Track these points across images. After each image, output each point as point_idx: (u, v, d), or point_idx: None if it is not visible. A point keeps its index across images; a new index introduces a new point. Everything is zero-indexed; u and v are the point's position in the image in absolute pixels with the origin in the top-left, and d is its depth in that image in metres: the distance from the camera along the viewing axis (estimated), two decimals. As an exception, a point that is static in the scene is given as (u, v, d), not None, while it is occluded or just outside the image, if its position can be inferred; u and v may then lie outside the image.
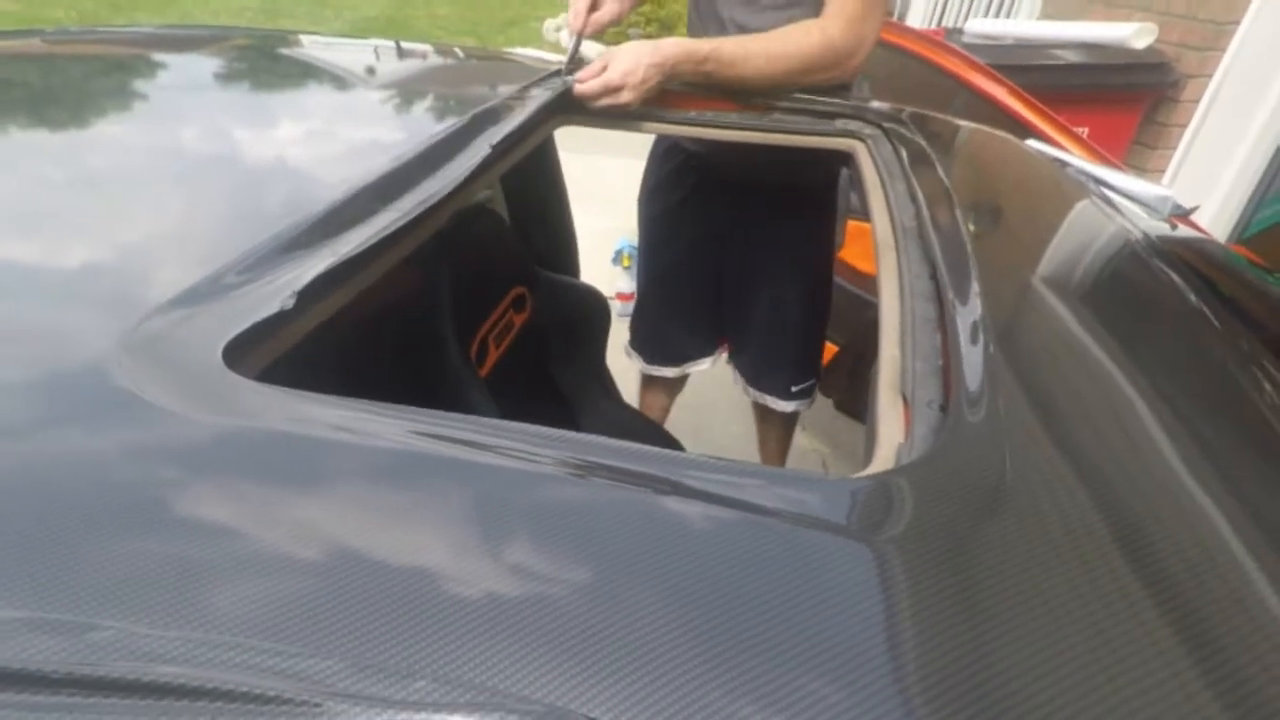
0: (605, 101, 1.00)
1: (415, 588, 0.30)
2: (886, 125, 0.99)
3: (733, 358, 1.55)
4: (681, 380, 1.61)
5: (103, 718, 0.24)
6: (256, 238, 0.52)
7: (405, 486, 0.36)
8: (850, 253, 2.02)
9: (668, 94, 1.06)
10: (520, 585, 0.31)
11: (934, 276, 0.61)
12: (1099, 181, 1.01)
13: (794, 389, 1.49)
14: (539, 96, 0.94)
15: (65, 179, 0.65)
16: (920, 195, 0.75)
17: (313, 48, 1.23)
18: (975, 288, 0.57)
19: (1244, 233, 2.44)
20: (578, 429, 1.44)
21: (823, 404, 2.11)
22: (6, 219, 0.57)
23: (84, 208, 0.59)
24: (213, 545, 0.31)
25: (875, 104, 1.07)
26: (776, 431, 1.64)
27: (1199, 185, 2.39)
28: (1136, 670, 0.30)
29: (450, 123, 0.77)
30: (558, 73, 1.06)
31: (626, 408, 1.55)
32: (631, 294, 1.59)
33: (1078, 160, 1.05)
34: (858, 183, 0.98)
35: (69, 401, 0.38)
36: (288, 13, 7.05)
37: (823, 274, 1.43)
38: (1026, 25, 2.70)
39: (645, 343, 1.54)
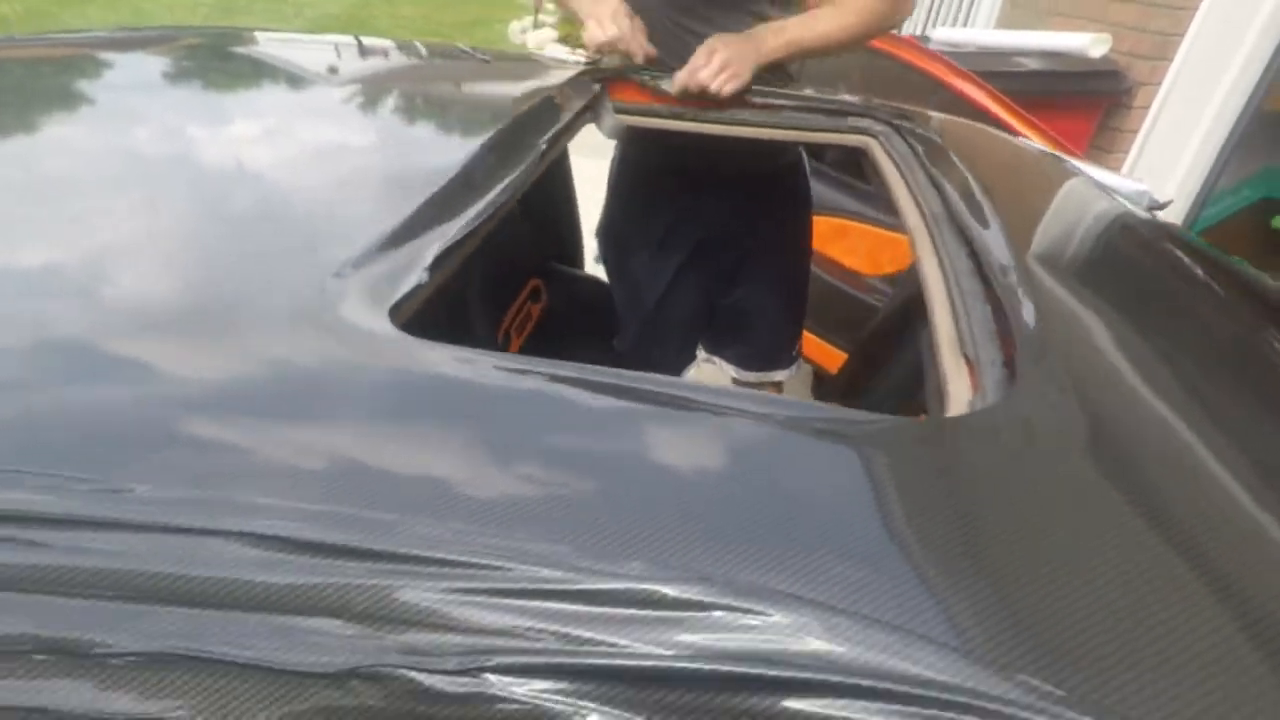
0: (716, 85, 1.04)
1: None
2: (896, 122, 1.06)
3: (714, 352, 1.58)
4: None
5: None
6: (392, 218, 0.57)
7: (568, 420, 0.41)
8: (838, 249, 2.11)
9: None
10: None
11: (973, 254, 0.67)
12: (1085, 174, 1.10)
13: (794, 352, 1.57)
14: (575, 96, 0.98)
15: (246, 168, 0.72)
16: (944, 183, 0.82)
17: (381, 54, 1.25)
18: (1013, 261, 0.64)
19: (1192, 228, 2.62)
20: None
21: (799, 390, 2.18)
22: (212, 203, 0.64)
23: (265, 192, 0.68)
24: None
25: (883, 103, 1.14)
26: None
27: (1151, 186, 2.55)
28: (1200, 603, 0.33)
29: (511, 119, 0.81)
30: (584, 73, 1.10)
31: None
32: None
33: (1065, 155, 1.14)
34: (874, 176, 1.04)
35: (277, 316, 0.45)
36: (244, 9, 6.88)
37: (806, 243, 1.48)
38: (989, 34, 2.85)
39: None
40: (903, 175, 0.91)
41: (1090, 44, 2.49)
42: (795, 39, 1.10)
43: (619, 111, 1.11)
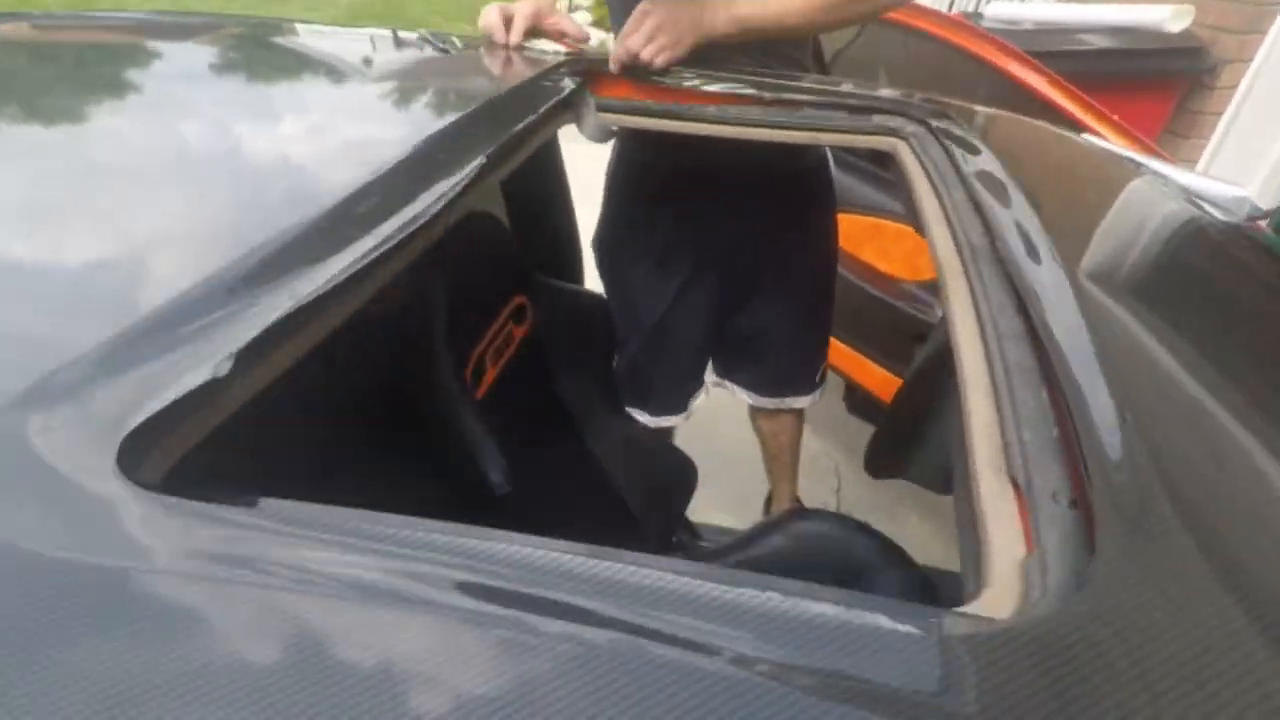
0: (646, 54, 0.93)
1: None
2: (932, 122, 0.87)
3: (726, 376, 1.42)
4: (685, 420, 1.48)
5: None
6: (185, 280, 0.41)
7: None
8: (870, 251, 1.91)
9: (687, 92, 0.96)
10: None
11: (1023, 310, 0.50)
12: (1171, 181, 0.89)
13: (815, 378, 1.41)
14: (544, 93, 0.83)
15: None
16: (988, 207, 0.64)
17: (289, 37, 1.11)
18: (1083, 324, 0.46)
19: (1281, 228, 2.33)
20: (583, 446, 1.35)
21: (830, 401, 2.00)
22: None
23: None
24: None
25: (916, 96, 0.95)
26: (790, 431, 1.53)
27: (1234, 177, 2.26)
28: None
29: (440, 126, 0.66)
30: (562, 65, 0.95)
31: (634, 422, 1.44)
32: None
33: (1144, 158, 0.94)
34: (901, 186, 0.86)
35: None
36: (276, 2, 6.88)
37: (830, 256, 1.31)
38: (1052, 8, 2.57)
39: (647, 398, 1.38)
40: (936, 193, 0.73)
41: (1170, 17, 2.20)
42: (745, 16, 0.96)
43: (604, 110, 0.95)
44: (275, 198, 0.54)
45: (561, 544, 0.31)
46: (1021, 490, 0.37)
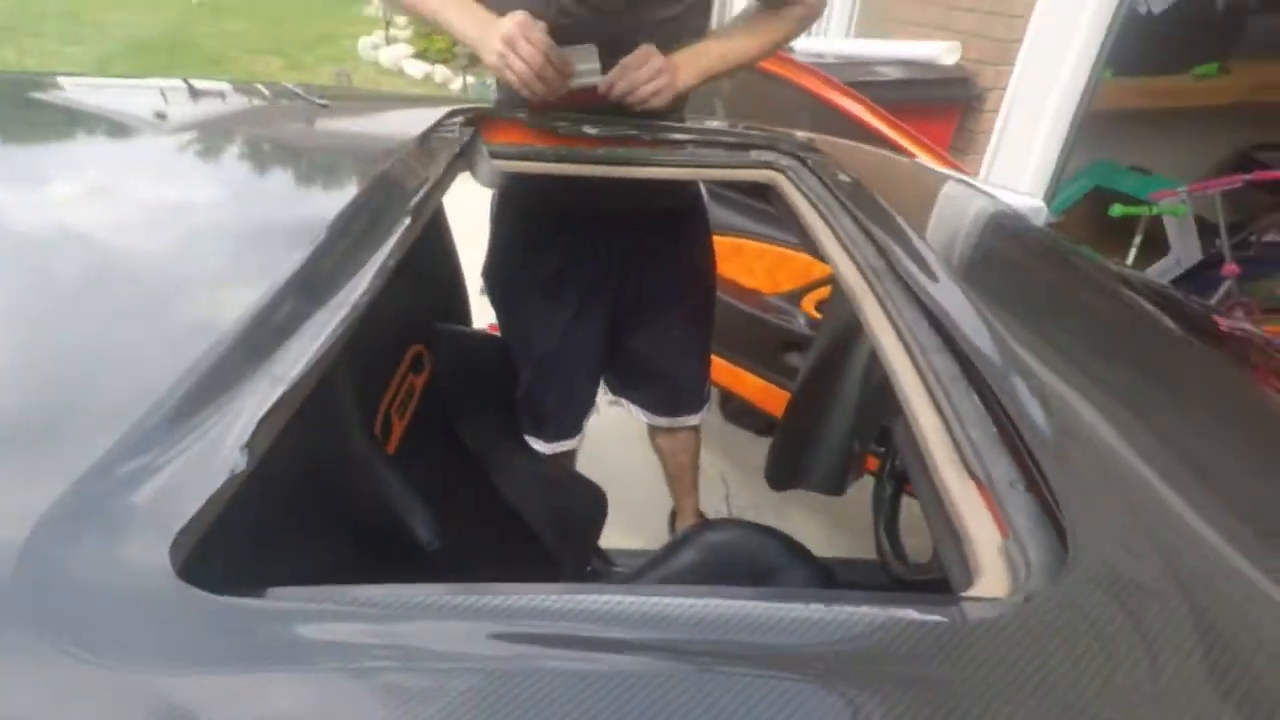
0: (647, 90, 0.94)
1: None
2: (801, 155, 0.98)
3: (620, 394, 1.49)
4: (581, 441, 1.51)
5: None
6: (169, 369, 0.38)
7: None
8: (734, 268, 2.06)
9: (575, 136, 0.99)
10: None
11: (934, 323, 0.59)
12: (990, 196, 1.07)
13: (704, 393, 1.50)
14: (444, 145, 0.83)
15: None
16: (874, 231, 0.74)
17: (179, 99, 1.00)
18: (988, 328, 0.55)
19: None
20: (494, 490, 1.33)
21: (710, 415, 2.11)
22: None
23: None
24: None
25: (782, 131, 1.07)
26: (687, 450, 1.61)
27: (1005, 183, 2.70)
28: None
29: (360, 194, 0.65)
30: (453, 114, 0.95)
31: (540, 459, 1.44)
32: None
33: (966, 176, 1.12)
34: (785, 215, 0.96)
35: None
36: (32, 31, 5.99)
37: (709, 281, 1.41)
38: (848, 43, 2.92)
39: (544, 425, 1.40)
40: (823, 217, 0.83)
41: (943, 52, 2.60)
42: (708, 69, 1.01)
43: (495, 156, 0.97)
44: (228, 280, 0.51)
45: (574, 586, 0.33)
46: (981, 482, 0.44)
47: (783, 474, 1.35)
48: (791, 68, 1.92)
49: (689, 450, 1.59)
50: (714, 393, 2.24)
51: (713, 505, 2.11)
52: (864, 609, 0.33)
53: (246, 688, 0.26)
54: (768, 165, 1.00)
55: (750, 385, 2.08)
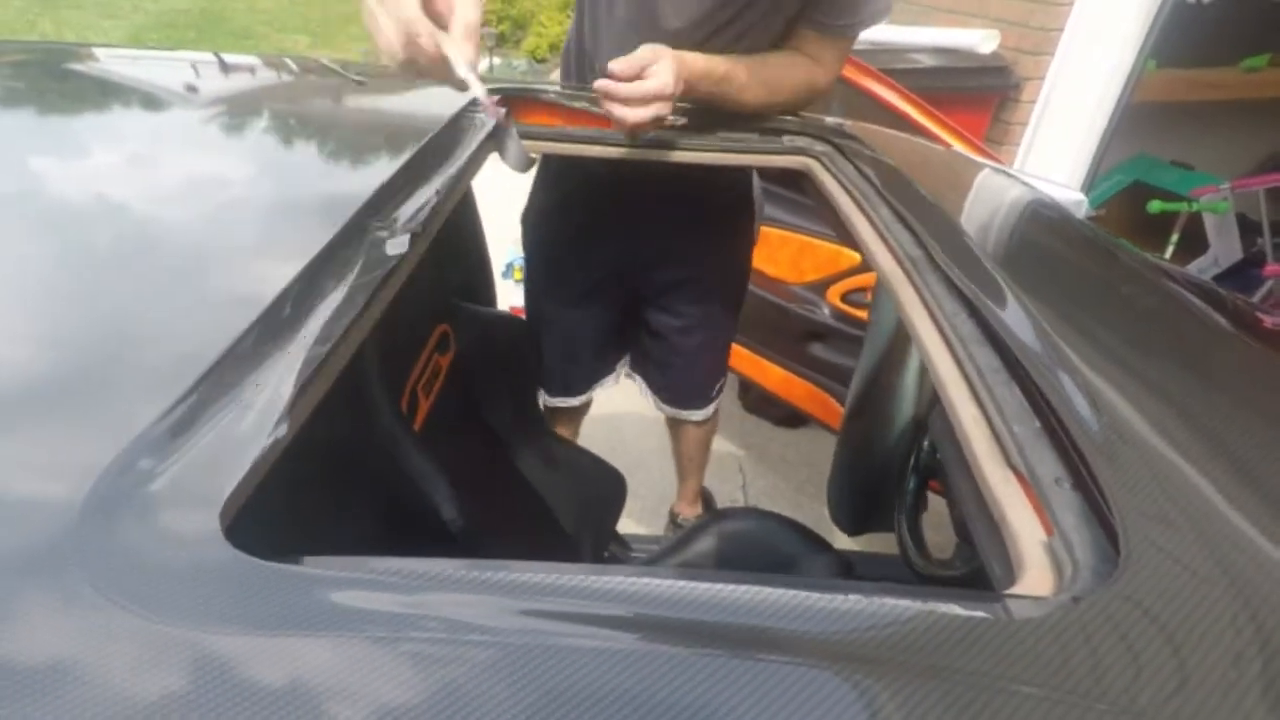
0: (638, 117, 0.84)
1: None
2: (837, 140, 0.96)
3: (636, 370, 1.48)
4: (587, 404, 1.52)
5: None
6: (210, 344, 0.39)
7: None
8: (759, 257, 2.04)
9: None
10: None
11: (974, 314, 0.57)
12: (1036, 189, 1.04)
13: (713, 393, 1.47)
14: (474, 125, 0.83)
15: None
16: (911, 219, 0.72)
17: (216, 73, 1.01)
18: (1031, 320, 0.54)
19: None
20: (516, 470, 1.33)
21: (727, 400, 2.10)
22: None
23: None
24: None
25: (817, 117, 1.05)
26: (695, 440, 1.60)
27: (1043, 175, 2.64)
28: None
29: (391, 174, 0.65)
30: (475, 102, 0.94)
31: (562, 443, 1.45)
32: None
33: (1007, 168, 1.09)
34: (819, 203, 0.94)
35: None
36: (73, 3, 6.09)
37: (739, 285, 1.39)
38: (885, 30, 2.86)
39: (546, 377, 1.43)
40: (858, 204, 0.81)
41: (980, 40, 2.54)
42: (730, 73, 0.93)
43: (526, 137, 0.96)
44: (265, 253, 0.51)
45: (599, 567, 0.33)
46: (1025, 478, 0.43)
47: (854, 515, 1.27)
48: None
49: (692, 440, 1.59)
50: (734, 381, 2.24)
51: (729, 494, 2.11)
52: (903, 602, 0.32)
53: (283, 649, 0.27)
54: (802, 151, 0.98)
55: (772, 375, 2.06)
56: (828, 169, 0.93)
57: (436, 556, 0.32)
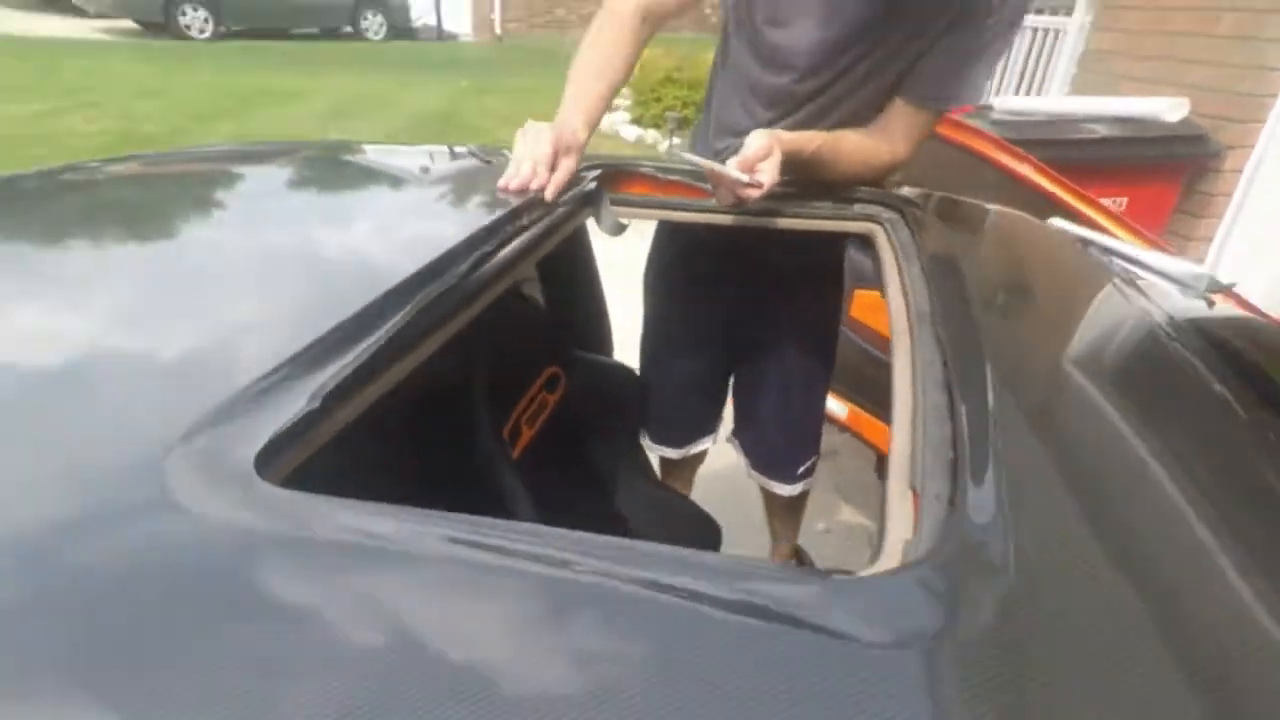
0: (744, 199, 0.98)
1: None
2: (905, 209, 1.01)
3: (736, 435, 1.51)
4: (694, 459, 1.57)
5: None
6: (290, 345, 0.56)
7: (420, 593, 0.38)
8: (883, 322, 2.02)
9: (690, 186, 1.10)
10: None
11: (945, 363, 0.61)
12: (1129, 260, 1.00)
13: (799, 471, 1.45)
14: (569, 190, 0.98)
15: (121, 287, 0.71)
16: (935, 279, 0.76)
17: (348, 154, 1.31)
18: (986, 375, 0.57)
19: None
20: (612, 509, 1.45)
21: (862, 469, 2.03)
22: (70, 327, 0.62)
23: (137, 318, 0.64)
24: (238, 658, 0.33)
25: (898, 189, 1.09)
26: (784, 513, 1.60)
27: (1250, 252, 2.33)
28: None
29: (482, 224, 0.81)
30: (587, 168, 1.10)
31: (661, 486, 1.54)
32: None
33: (1105, 239, 1.05)
34: (876, 268, 0.99)
35: (114, 507, 0.42)
36: (352, 113, 7.57)
37: (829, 350, 1.40)
38: (1057, 100, 2.74)
39: (648, 423, 1.50)
40: (899, 268, 0.85)
41: (1167, 108, 2.34)
42: (820, 150, 1.02)
43: (618, 204, 1.11)
44: (349, 283, 0.69)
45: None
46: (917, 494, 0.47)
47: None
48: (958, 128, 1.88)
49: (779, 510, 1.58)
50: (869, 454, 2.17)
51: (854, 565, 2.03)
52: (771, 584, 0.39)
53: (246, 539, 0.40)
54: (870, 218, 1.03)
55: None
56: (887, 234, 0.97)
57: None
